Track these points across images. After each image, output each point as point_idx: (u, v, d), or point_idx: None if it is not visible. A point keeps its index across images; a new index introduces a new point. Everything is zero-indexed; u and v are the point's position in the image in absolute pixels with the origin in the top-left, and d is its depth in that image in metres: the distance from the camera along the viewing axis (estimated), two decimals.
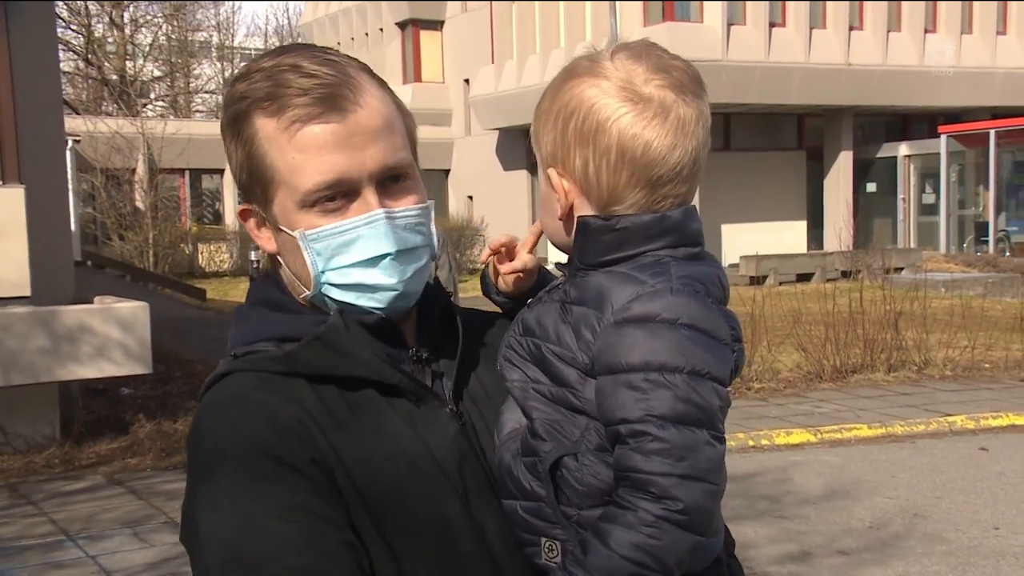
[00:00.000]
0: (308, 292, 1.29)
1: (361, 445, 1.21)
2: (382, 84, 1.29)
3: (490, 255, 1.42)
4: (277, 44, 36.70)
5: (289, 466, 1.16)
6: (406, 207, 1.27)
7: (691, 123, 1.24)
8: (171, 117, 30.03)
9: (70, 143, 18.59)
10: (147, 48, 35.23)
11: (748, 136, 26.30)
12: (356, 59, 1.29)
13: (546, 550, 1.22)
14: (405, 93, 30.14)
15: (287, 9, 74.61)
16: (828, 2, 24.54)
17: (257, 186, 1.26)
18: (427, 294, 1.33)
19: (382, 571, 1.17)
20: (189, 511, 1.18)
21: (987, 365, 11.18)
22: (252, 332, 1.30)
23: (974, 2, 26.29)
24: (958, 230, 25.62)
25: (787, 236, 26.26)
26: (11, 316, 7.45)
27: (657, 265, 1.22)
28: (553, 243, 1.33)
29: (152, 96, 35.98)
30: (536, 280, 1.42)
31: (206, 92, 39.95)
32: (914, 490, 7.03)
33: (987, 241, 24.57)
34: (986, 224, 24.87)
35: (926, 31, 25.66)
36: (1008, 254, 23.86)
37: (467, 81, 28.98)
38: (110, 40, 32.99)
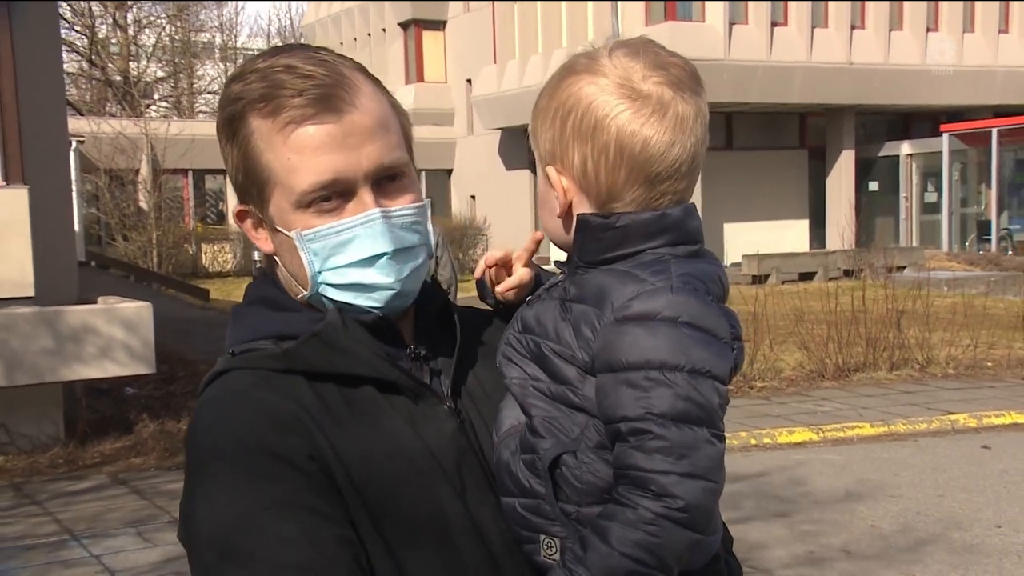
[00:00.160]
0: (305, 292, 1.29)
1: (359, 442, 1.21)
2: (377, 83, 1.29)
3: (486, 270, 1.41)
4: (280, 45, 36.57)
5: (287, 463, 1.16)
6: (402, 206, 1.27)
7: (689, 120, 1.24)
8: (174, 118, 30.07)
9: (74, 144, 18.61)
10: (150, 49, 35.27)
11: (750, 135, 26.29)
12: (350, 59, 1.29)
13: (545, 547, 1.22)
14: (408, 93, 30.18)
15: (289, 10, 74.65)
16: (830, 1, 24.52)
17: (253, 187, 1.26)
18: (424, 292, 1.33)
19: (380, 568, 1.17)
20: (187, 508, 1.18)
21: (989, 363, 11.17)
22: (250, 330, 1.30)
23: (976, 1, 26.25)
24: (960, 229, 25.59)
25: (789, 235, 26.24)
26: (15, 316, 7.47)
27: (657, 263, 1.22)
28: (552, 241, 1.32)
29: (156, 97, 36.02)
30: (533, 283, 1.41)
31: (209, 93, 39.95)
32: (916, 488, 7.03)
33: (989, 240, 24.54)
34: (988, 223, 24.83)
35: (928, 30, 25.63)
36: (1010, 252, 23.82)
37: (469, 81, 28.97)
38: (114, 41, 33.03)
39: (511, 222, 26.02)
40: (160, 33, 35.36)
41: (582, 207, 1.26)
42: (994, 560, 5.63)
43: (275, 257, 1.31)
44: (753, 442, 8.35)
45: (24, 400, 7.77)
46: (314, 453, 1.17)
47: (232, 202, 24.98)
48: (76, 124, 21.43)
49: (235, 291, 20.65)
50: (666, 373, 1.15)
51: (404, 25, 31.30)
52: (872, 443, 8.43)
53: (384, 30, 32.44)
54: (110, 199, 22.66)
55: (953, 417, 8.95)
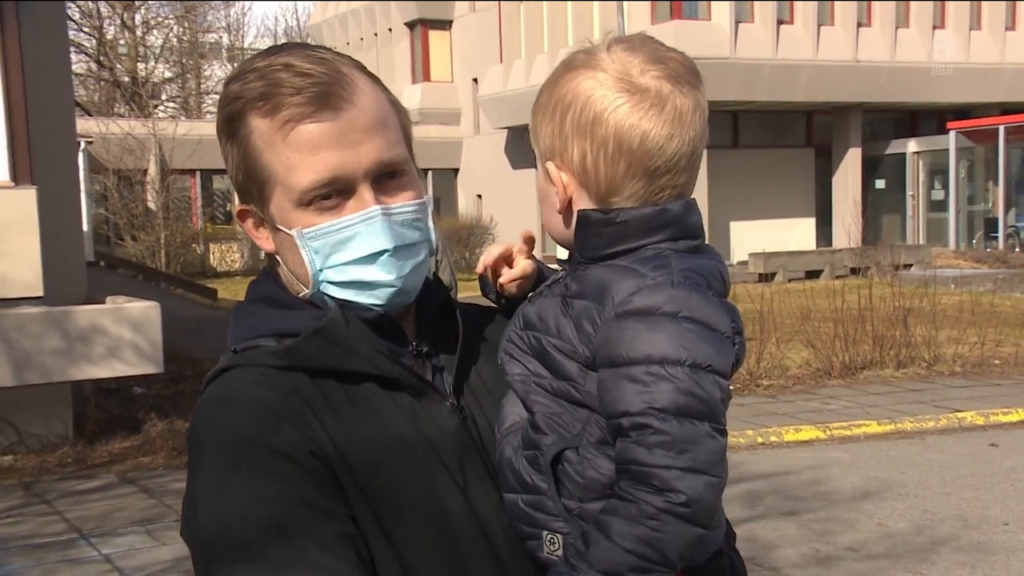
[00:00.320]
0: (307, 290, 1.29)
1: (361, 438, 1.21)
2: (375, 81, 1.29)
3: (486, 268, 1.41)
4: None
5: (288, 459, 1.16)
6: (403, 203, 1.27)
7: (688, 113, 1.23)
8: (182, 118, 30.11)
9: (82, 144, 18.69)
10: (158, 50, 35.34)
11: (756, 134, 26.26)
12: (349, 56, 1.29)
13: (548, 543, 1.22)
14: (414, 93, 30.22)
15: (296, 10, 74.74)
16: (836, 1, 24.49)
17: (253, 186, 1.26)
18: (426, 289, 1.33)
19: (382, 563, 1.18)
20: (189, 505, 1.19)
21: (997, 361, 11.15)
22: (252, 328, 1.30)
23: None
24: (967, 226, 25.52)
25: (795, 233, 26.20)
26: (24, 316, 7.49)
27: (658, 258, 1.21)
28: (553, 238, 1.32)
29: (163, 97, 36.10)
30: (536, 279, 1.40)
31: (217, 93, 39.97)
32: (924, 487, 7.02)
33: (997, 237, 24.48)
34: (996, 220, 24.77)
35: (935, 27, 25.57)
36: (1018, 250, 23.76)
37: (476, 80, 28.98)
38: (122, 42, 33.12)
39: (518, 221, 26.00)
40: (168, 34, 35.43)
41: (582, 202, 1.26)
42: (1001, 558, 5.62)
43: (277, 256, 1.31)
44: (760, 440, 8.35)
45: (33, 399, 7.80)
46: (315, 449, 1.18)
47: None
48: (84, 125, 21.49)
49: (243, 290, 20.35)
50: (667, 368, 1.14)
51: (410, 25, 31.33)
52: (879, 441, 8.42)
53: (390, 30, 32.48)
54: (118, 199, 22.72)
55: (960, 415, 8.94)
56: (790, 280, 20.63)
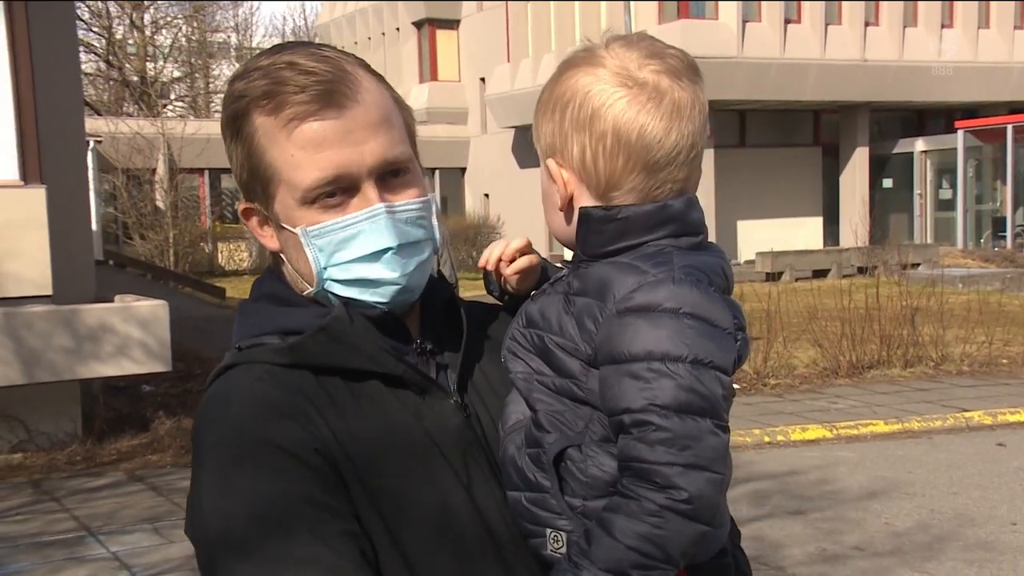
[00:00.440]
0: (311, 288, 1.28)
1: (365, 436, 1.21)
2: (379, 79, 1.29)
3: (486, 263, 1.41)
4: None
5: (293, 456, 1.16)
6: (407, 201, 1.26)
7: (687, 107, 1.23)
8: (191, 117, 30.18)
9: (92, 144, 18.73)
10: (167, 49, 35.42)
11: (763, 133, 26.21)
12: (353, 55, 1.28)
13: (551, 541, 1.22)
14: (421, 92, 30.24)
15: (304, 10, 74.81)
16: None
17: (258, 184, 1.26)
18: (430, 287, 1.33)
19: (386, 560, 1.18)
20: (193, 502, 1.19)
21: (1004, 361, 11.13)
22: (257, 325, 1.30)
23: None
24: (975, 225, 25.44)
25: (803, 232, 26.15)
26: (34, 315, 7.53)
27: (659, 255, 1.21)
28: (556, 237, 1.32)
29: (172, 97, 36.17)
30: (539, 276, 1.40)
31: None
32: (931, 486, 7.01)
33: (1005, 236, 24.39)
34: (1003, 219, 24.68)
35: (943, 26, 25.50)
36: None
37: (483, 80, 28.99)
38: (131, 42, 33.19)
39: (525, 220, 26.01)
40: (177, 33, 35.50)
41: (583, 199, 1.26)
42: (1009, 557, 5.61)
43: (281, 254, 1.31)
44: (767, 440, 8.34)
45: (43, 398, 7.84)
46: (319, 447, 1.17)
47: None
48: (94, 124, 21.55)
49: (250, 289, 20.68)
50: (668, 364, 1.14)
51: (418, 24, 31.37)
52: (886, 440, 8.41)
53: (398, 29, 32.52)
54: (127, 198, 22.76)
55: (968, 414, 8.92)
56: (797, 279, 20.61)
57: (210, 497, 1.16)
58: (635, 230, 1.23)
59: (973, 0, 25.72)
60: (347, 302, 1.27)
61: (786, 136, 26.78)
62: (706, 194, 21.91)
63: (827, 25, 24.08)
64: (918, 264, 20.37)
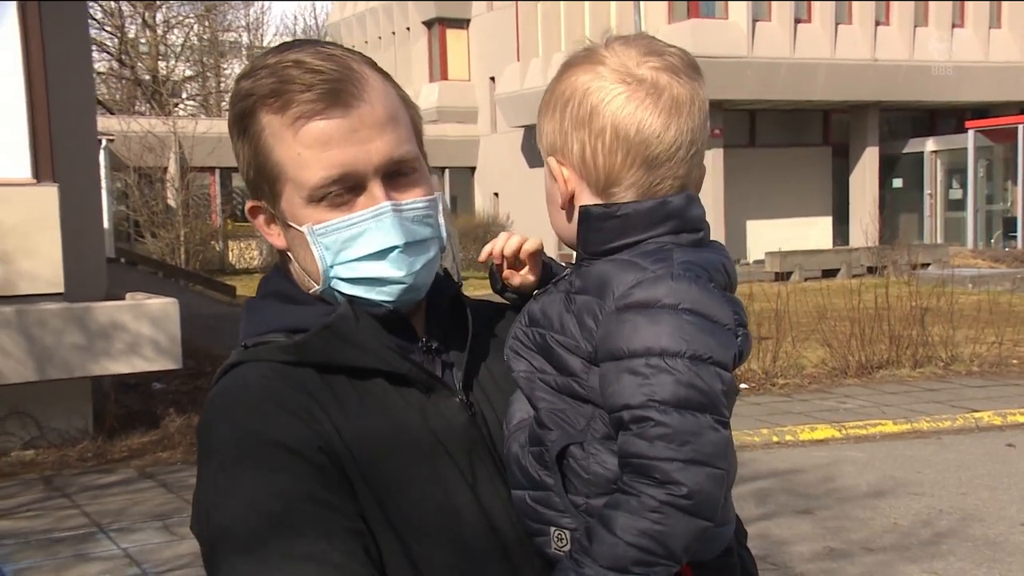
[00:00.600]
0: (318, 286, 1.28)
1: (370, 434, 1.21)
2: (386, 77, 1.29)
3: (489, 257, 1.40)
4: None
5: (297, 454, 1.16)
6: (413, 199, 1.27)
7: (685, 103, 1.24)
8: (202, 116, 30.26)
9: (104, 142, 18.81)
10: (179, 48, 35.54)
11: (773, 132, 26.17)
12: (360, 53, 1.29)
13: (555, 539, 1.22)
14: (432, 91, 30.27)
15: (314, 9, 74.91)
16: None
17: (265, 183, 1.27)
18: (436, 285, 1.33)
19: (390, 559, 1.18)
20: (198, 499, 1.19)
21: (1015, 361, 11.08)
22: (263, 323, 1.29)
23: None
24: (986, 225, 25.34)
25: (812, 232, 26.09)
26: (46, 312, 7.57)
27: (659, 252, 1.21)
28: (559, 237, 1.33)
29: (184, 96, 36.29)
30: (543, 274, 1.40)
31: None
32: (940, 486, 6.99)
33: (1015, 236, 24.27)
34: (1014, 219, 24.57)
35: (953, 26, 25.43)
36: None
37: (493, 79, 29.02)
38: (143, 41, 33.30)
39: (534, 219, 26.00)
40: (188, 33, 35.61)
41: (583, 196, 1.27)
42: (1018, 558, 5.60)
43: (288, 252, 1.31)
44: (775, 439, 8.33)
45: (54, 395, 7.88)
46: (324, 445, 1.18)
47: None
48: (106, 123, 21.62)
49: None
50: (667, 360, 1.14)
51: (428, 24, 31.41)
52: (895, 441, 8.39)
53: (408, 29, 32.56)
54: (139, 197, 22.84)
55: (977, 415, 8.89)
56: (807, 279, 20.56)
57: (215, 494, 1.17)
58: (635, 227, 1.23)
59: (984, 0, 25.62)
60: (353, 300, 1.27)
61: (796, 136, 26.72)
62: (715, 194, 21.89)
63: (837, 25, 24.03)
64: (928, 264, 20.31)
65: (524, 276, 1.38)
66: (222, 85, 39.37)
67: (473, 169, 30.19)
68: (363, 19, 35.69)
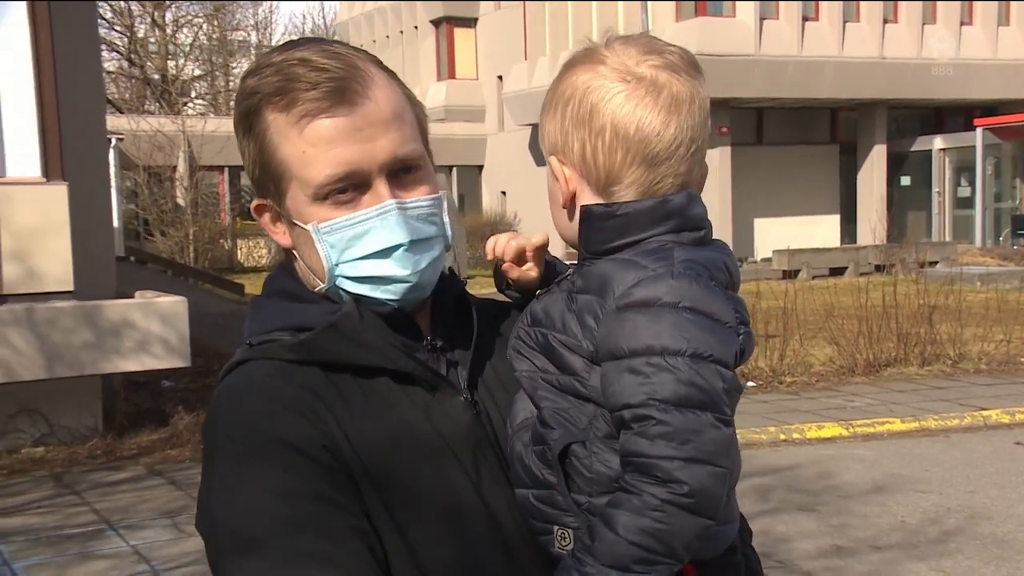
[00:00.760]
0: (323, 285, 1.29)
1: (374, 433, 1.21)
2: (391, 75, 1.29)
3: (493, 253, 1.40)
4: None
5: (301, 452, 1.16)
6: (418, 197, 1.27)
7: (685, 101, 1.24)
8: (211, 115, 30.32)
9: (113, 141, 18.85)
10: (188, 48, 35.63)
11: (781, 130, 26.14)
12: (365, 51, 1.29)
13: (559, 538, 1.22)
14: (439, 90, 30.30)
15: (322, 8, 74.99)
16: None
17: (270, 181, 1.27)
18: (442, 284, 1.33)
19: (394, 558, 1.18)
20: (203, 497, 1.20)
21: (1023, 359, 11.07)
22: (268, 321, 1.30)
23: None
24: (994, 223, 25.27)
25: (820, 230, 26.05)
26: (56, 310, 7.61)
27: (660, 250, 1.21)
28: (562, 236, 1.34)
29: (193, 95, 36.37)
30: (547, 272, 1.40)
31: None
32: (948, 484, 6.98)
33: (1023, 234, 24.25)
34: (1022, 217, 24.52)
35: (962, 23, 25.36)
36: None
37: (500, 77, 29.03)
38: (152, 40, 33.39)
39: (541, 218, 25.85)
40: (197, 32, 35.70)
41: (584, 195, 1.27)
42: None
43: (293, 250, 1.31)
44: (782, 437, 8.33)
45: (64, 392, 7.92)
46: (328, 443, 1.18)
47: None
48: (116, 122, 21.69)
49: None
50: (667, 358, 1.14)
51: (436, 23, 31.44)
52: (903, 439, 8.37)
53: (416, 27, 32.60)
54: (148, 195, 22.90)
55: (985, 413, 8.87)
56: (814, 277, 20.53)
57: (220, 493, 1.17)
58: (636, 226, 1.24)
59: None
60: (358, 299, 1.27)
61: (803, 134, 26.69)
62: (723, 192, 21.86)
63: (845, 22, 23.99)
64: (936, 262, 20.26)
65: (525, 272, 1.38)
66: (231, 84, 39.43)
67: (480, 168, 30.22)
68: (371, 18, 35.75)
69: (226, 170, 26.53)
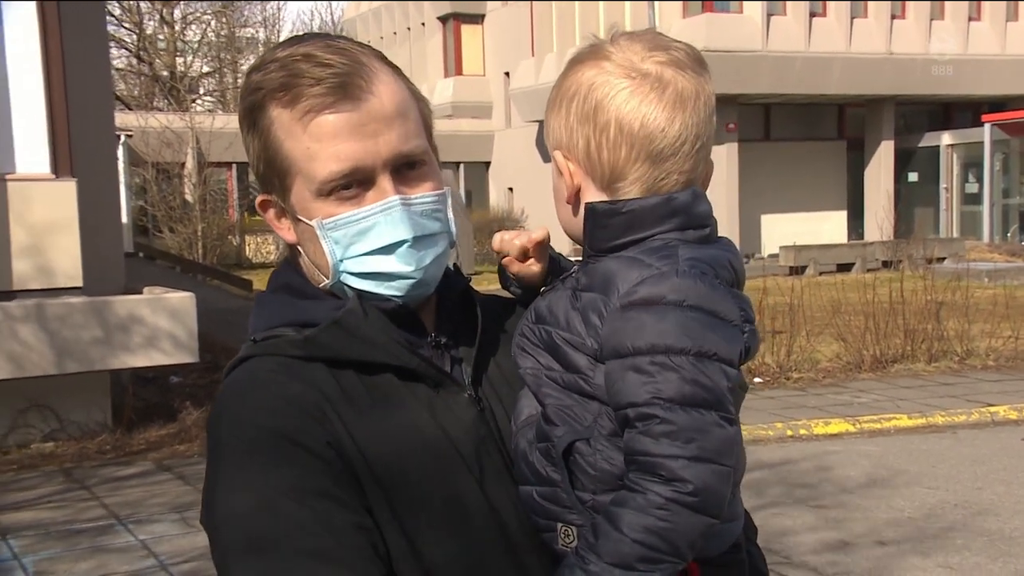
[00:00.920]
0: (328, 281, 1.28)
1: (378, 429, 1.20)
2: (396, 71, 1.28)
3: (499, 246, 1.40)
4: None
5: (305, 449, 1.16)
6: (422, 193, 1.26)
7: (690, 98, 1.23)
8: (219, 112, 30.39)
9: (122, 138, 18.93)
10: (196, 45, 35.69)
11: (788, 126, 26.08)
12: (369, 46, 1.28)
13: (562, 536, 1.22)
14: (446, 86, 30.31)
15: (330, 6, 75.03)
16: None
17: (275, 176, 1.27)
18: (446, 280, 1.33)
19: (397, 555, 1.18)
20: (207, 493, 1.20)
21: None
22: (272, 317, 1.29)
23: None
24: (1002, 219, 25.19)
25: (827, 226, 26.00)
26: (65, 306, 7.64)
27: (664, 248, 1.21)
28: (567, 233, 1.34)
29: (201, 92, 36.45)
30: (551, 267, 1.39)
31: None
32: (955, 480, 6.96)
33: None
34: None
35: (970, 19, 25.27)
36: None
37: (507, 74, 29.03)
38: (161, 37, 33.47)
39: (548, 214, 25.59)
40: (205, 29, 35.77)
41: (589, 191, 1.28)
42: None
43: (298, 246, 1.31)
44: (789, 433, 8.33)
45: (73, 388, 7.96)
46: (332, 440, 1.18)
47: None
48: (124, 119, 21.77)
49: None
50: (672, 357, 1.14)
51: (443, 19, 31.46)
52: (910, 435, 8.35)
53: (423, 24, 32.62)
54: (157, 192, 22.96)
55: (993, 409, 8.86)
56: (821, 273, 20.47)
57: (223, 489, 1.17)
58: (640, 223, 1.23)
59: None
60: (362, 295, 1.27)
61: (811, 130, 26.63)
62: (730, 187, 21.83)
63: (853, 18, 23.93)
64: (943, 258, 20.21)
65: (526, 267, 1.38)
66: (239, 81, 39.46)
67: (488, 164, 30.23)
68: (379, 15, 35.77)
69: (234, 166, 26.58)
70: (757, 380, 9.82)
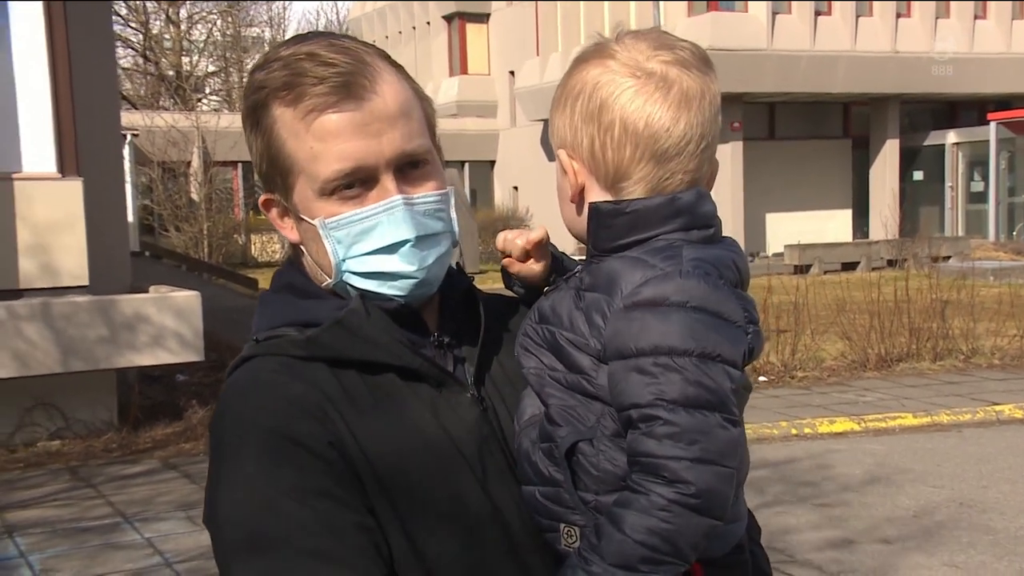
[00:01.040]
0: (330, 280, 1.28)
1: (380, 429, 1.20)
2: (399, 70, 1.28)
3: (502, 245, 1.38)
4: None
5: (307, 449, 1.16)
6: (425, 193, 1.26)
7: (696, 97, 1.23)
8: (225, 111, 30.43)
9: (128, 137, 18.96)
10: (202, 44, 35.75)
11: (793, 125, 26.06)
12: (373, 46, 1.28)
13: (565, 536, 1.22)
14: (451, 85, 30.32)
15: (335, 6, 75.07)
16: None
17: (277, 175, 1.26)
18: (449, 279, 1.32)
19: (400, 555, 1.18)
20: (210, 493, 1.20)
21: None
22: (275, 317, 1.29)
23: None
24: (1008, 218, 25.15)
25: (832, 225, 25.98)
26: (71, 305, 7.66)
27: (669, 249, 1.21)
28: (570, 232, 1.33)
29: (207, 91, 36.49)
30: (553, 266, 1.38)
31: None
32: (960, 479, 6.96)
33: None
34: None
35: (976, 17, 25.22)
36: None
37: (512, 73, 29.04)
38: (167, 37, 33.52)
39: (553, 213, 25.43)
40: (211, 28, 35.82)
41: (593, 190, 1.27)
42: None
43: (301, 246, 1.30)
44: (794, 432, 8.32)
45: (80, 386, 7.98)
46: (334, 440, 1.17)
47: None
48: (130, 118, 21.80)
49: None
50: (675, 358, 1.14)
51: (448, 18, 31.47)
52: (915, 433, 8.35)
53: (428, 23, 32.64)
54: (163, 191, 23.01)
55: (998, 408, 8.85)
56: (826, 272, 20.46)
57: (226, 489, 1.17)
58: (644, 223, 1.23)
59: None
60: (365, 294, 1.26)
61: (816, 128, 26.61)
62: (735, 186, 21.81)
63: (858, 17, 23.90)
64: (949, 257, 20.18)
65: (527, 267, 1.37)
66: (245, 80, 39.52)
67: (492, 163, 30.23)
68: (383, 14, 35.80)
69: (240, 165, 26.61)
70: (762, 379, 9.82)
